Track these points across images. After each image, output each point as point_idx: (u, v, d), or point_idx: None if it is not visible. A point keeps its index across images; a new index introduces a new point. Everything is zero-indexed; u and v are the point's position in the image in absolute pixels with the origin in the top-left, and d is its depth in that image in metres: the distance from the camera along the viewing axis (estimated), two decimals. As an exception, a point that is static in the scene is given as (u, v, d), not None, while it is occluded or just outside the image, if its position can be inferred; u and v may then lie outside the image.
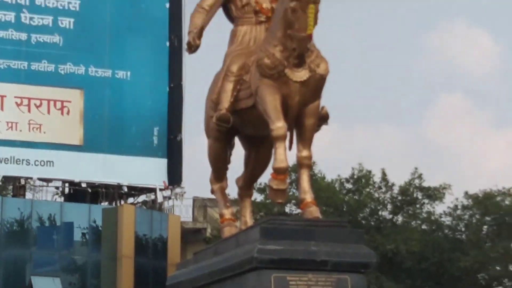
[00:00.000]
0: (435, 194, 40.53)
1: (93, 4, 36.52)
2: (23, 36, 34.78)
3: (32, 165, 34.79)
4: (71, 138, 34.99)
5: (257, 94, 11.70)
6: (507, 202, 38.51)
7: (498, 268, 40.58)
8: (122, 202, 37.17)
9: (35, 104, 34.48)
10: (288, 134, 11.33)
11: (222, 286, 12.83)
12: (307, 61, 11.33)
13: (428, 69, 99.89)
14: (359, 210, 39.58)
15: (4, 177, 35.09)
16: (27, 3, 34.83)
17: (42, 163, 34.69)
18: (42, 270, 34.14)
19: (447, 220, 42.18)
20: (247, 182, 14.21)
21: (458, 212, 41.63)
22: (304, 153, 11.52)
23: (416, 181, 39.34)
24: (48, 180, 35.75)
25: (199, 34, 13.58)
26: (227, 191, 14.68)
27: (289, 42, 11.07)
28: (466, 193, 40.08)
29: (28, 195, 36.76)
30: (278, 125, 10.87)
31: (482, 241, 40.70)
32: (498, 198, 38.75)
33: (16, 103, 34.13)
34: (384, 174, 39.73)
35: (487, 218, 39.60)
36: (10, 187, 38.02)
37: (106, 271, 35.10)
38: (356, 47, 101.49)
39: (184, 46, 19.59)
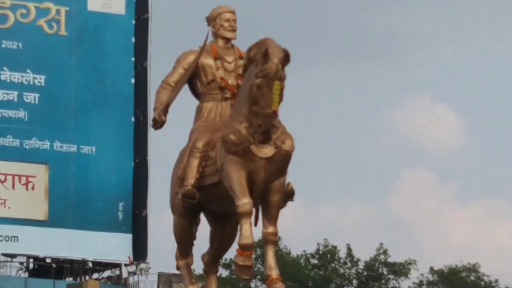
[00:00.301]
0: (400, 269, 41.96)
1: (58, 79, 36.89)
2: None
3: None
4: (36, 213, 35.22)
5: (223, 170, 10.51)
6: (472, 278, 39.24)
7: None
8: (87, 277, 36.98)
9: (0, 179, 35.28)
10: (254, 210, 9.47)
11: None
12: (272, 137, 10.47)
13: (393, 144, 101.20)
14: (324, 285, 40.20)
15: None
16: None
17: (7, 238, 35.00)
18: None
19: None
20: (213, 258, 13.83)
21: (424, 287, 41.15)
22: (270, 229, 11.21)
23: (382, 257, 40.52)
24: (12, 256, 35.66)
25: (165, 111, 14.05)
26: (192, 267, 13.77)
27: (254, 118, 9.79)
28: (431, 268, 42.33)
29: (-8, 270, 35.97)
30: (244, 202, 9.93)
31: None
32: (463, 274, 39.79)
33: None
34: (349, 249, 40.75)
35: None
36: None
37: None
38: (321, 123, 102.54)
39: (150, 122, 19.05)
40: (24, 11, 37.33)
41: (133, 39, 38.82)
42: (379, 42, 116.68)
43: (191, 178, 9.59)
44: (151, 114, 12.90)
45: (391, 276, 44.28)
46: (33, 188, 35.71)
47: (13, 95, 36.36)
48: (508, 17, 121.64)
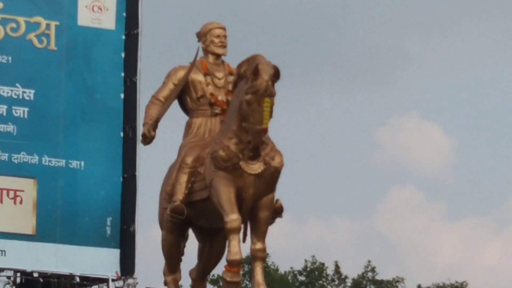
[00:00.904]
0: (388, 287, 43.56)
1: (48, 94, 36.65)
2: None
3: None
4: (24, 228, 34.84)
5: (212, 186, 11.55)
6: None
7: None
8: None
9: None
10: (242, 226, 11.03)
11: None
12: (262, 154, 11.16)
13: (381, 162, 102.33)
14: None
15: None
16: None
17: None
18: None
19: None
20: (201, 274, 13.64)
21: None
22: (258, 245, 11.18)
23: (369, 274, 42.12)
24: None
25: (154, 126, 12.95)
26: (180, 283, 13.08)
27: (244, 134, 10.89)
28: (419, 286, 43.79)
29: (-22, 286, 37.42)
30: (232, 218, 10.64)
31: None
32: None
33: None
34: (337, 266, 42.87)
35: None
36: None
37: None
38: (309, 140, 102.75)
39: (139, 137, 20.45)
40: (14, 25, 36.77)
41: (122, 54, 38.34)
42: (367, 60, 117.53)
43: (180, 194, 10.79)
44: (140, 129, 15.06)
45: None
46: (21, 202, 35.20)
47: (2, 109, 35.38)
48: (497, 38, 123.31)
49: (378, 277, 46.00)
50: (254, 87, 9.75)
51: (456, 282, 46.05)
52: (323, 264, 45.56)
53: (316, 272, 45.42)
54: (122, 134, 36.08)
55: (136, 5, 38.63)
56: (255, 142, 10.23)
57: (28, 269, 34.81)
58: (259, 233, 10.90)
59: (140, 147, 32.79)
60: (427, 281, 49.60)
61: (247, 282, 26.58)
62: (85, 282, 36.99)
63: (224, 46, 12.23)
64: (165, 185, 12.39)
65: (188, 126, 12.50)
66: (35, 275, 35.06)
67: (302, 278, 45.58)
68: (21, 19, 36.58)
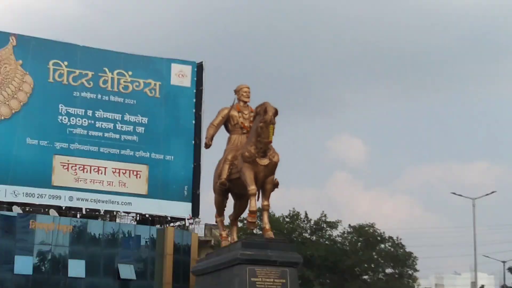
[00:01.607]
0: (333, 225, 56.79)
1: (155, 119, 52.67)
2: (117, 136, 51.19)
3: (120, 203, 51.34)
4: (141, 190, 51.67)
5: (241, 171, 16.98)
6: (371, 230, 56.19)
7: (366, 265, 56.15)
8: (167, 225, 54.26)
9: (122, 172, 51.57)
10: (257, 193, 16.78)
11: (220, 273, 18.51)
12: (268, 154, 16.73)
13: (330, 159, 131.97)
14: (292, 232, 54.16)
15: (105, 211, 51.06)
16: (120, 118, 51.58)
17: (125, 203, 51.40)
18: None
19: (339, 238, 57.42)
20: (235, 217, 19.98)
21: (345, 235, 57.69)
22: (265, 202, 17.27)
23: (323, 218, 56.52)
24: (128, 212, 52.85)
25: (210, 139, 18.97)
26: (224, 221, 20.50)
27: (258, 144, 16.38)
28: (349, 225, 58.01)
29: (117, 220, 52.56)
30: (252, 188, 16.34)
31: (357, 251, 55.75)
32: (366, 228, 56.95)
33: (113, 171, 50.99)
34: (306, 214, 56.58)
35: (360, 239, 57.11)
36: (108, 215, 52.75)
37: (158, 262, 50.44)
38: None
39: (202, 144, 28.10)
40: (137, 83, 52.57)
41: (194, 100, 54.90)
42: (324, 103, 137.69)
43: (224, 175, 16.86)
44: (203, 140, 24.11)
45: (328, 229, 56.29)
46: (140, 177, 52.27)
47: (130, 127, 51.67)
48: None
49: (327, 220, 56.87)
50: (264, 119, 15.71)
51: (369, 223, 57.98)
52: (299, 212, 57.70)
53: (295, 217, 56.99)
54: (193, 142, 53.41)
55: (201, 75, 54.65)
56: (264, 148, 16.19)
57: (143, 212, 52.29)
58: (266, 196, 17.04)
59: (203, 150, 48.99)
60: (354, 222, 59.89)
61: (259, 222, 30.04)
62: (173, 220, 54.55)
63: (248, 97, 18.77)
64: (217, 170, 18.62)
65: (229, 139, 18.68)
66: (147, 215, 52.34)
67: (287, 219, 56.93)
68: (141, 81, 52.81)
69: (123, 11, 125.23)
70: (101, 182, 50.58)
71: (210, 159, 30.42)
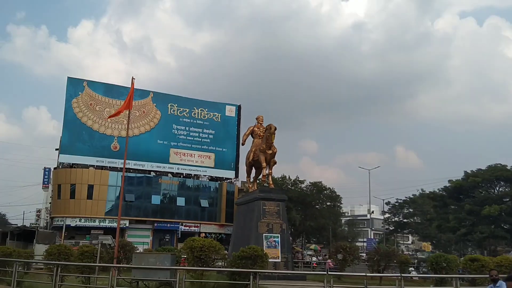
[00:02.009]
0: (301, 182, 53.45)
1: (218, 132, 52.64)
2: (199, 139, 51.61)
3: (201, 171, 51.04)
4: (210, 165, 51.52)
5: (258, 156, 19.98)
6: (320, 184, 52.83)
7: (317, 201, 53.24)
8: (223, 181, 52.96)
9: (202, 156, 51.55)
10: (266, 166, 20.03)
11: (248, 204, 20.43)
12: (271, 148, 19.41)
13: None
14: (282, 185, 50.29)
15: (194, 174, 50.38)
16: (201, 131, 51.46)
17: (203, 171, 51.21)
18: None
19: (305, 188, 52.93)
20: (255, 178, 22.38)
21: (308, 186, 53.22)
22: (270, 171, 20.13)
23: (297, 179, 53.55)
24: (205, 175, 51.45)
25: (244, 141, 22.62)
26: (251, 180, 23.08)
27: (267, 143, 19.26)
28: (309, 182, 53.84)
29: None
30: (264, 164, 19.59)
31: (313, 194, 52.71)
32: (318, 183, 53.21)
33: (198, 156, 51.33)
34: (289, 177, 53.53)
35: (314, 189, 53.18)
36: (195, 176, 51.09)
37: (219, 199, 50.55)
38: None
39: (240, 143, 26.21)
40: (209, 114, 52.50)
41: (236, 122, 54.33)
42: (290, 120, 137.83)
43: (250, 158, 22.19)
44: (240, 141, 25.29)
45: (299, 183, 53.42)
46: (210, 159, 51.38)
47: (206, 135, 51.59)
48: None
49: (299, 179, 54.07)
50: (270, 132, 19.56)
51: (318, 181, 54.14)
52: (285, 176, 53.93)
53: (284, 179, 53.16)
54: (236, 143, 53.14)
55: (239, 110, 54.65)
56: (270, 145, 19.79)
57: (212, 175, 51.86)
58: (270, 168, 20.57)
59: (240, 146, 39.32)
60: (311, 181, 55.56)
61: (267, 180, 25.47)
62: (226, 179, 53.44)
63: (262, 121, 21.80)
64: (247, 155, 22.55)
65: (253, 142, 22.02)
66: (214, 176, 51.78)
67: (280, 180, 51.71)
68: (211, 113, 52.64)
69: (204, 80, 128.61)
70: (192, 160, 51.94)
71: (243, 150, 31.78)
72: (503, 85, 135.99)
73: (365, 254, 30.02)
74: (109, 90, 48.58)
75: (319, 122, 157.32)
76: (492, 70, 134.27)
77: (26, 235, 30.01)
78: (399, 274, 11.09)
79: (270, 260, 16.02)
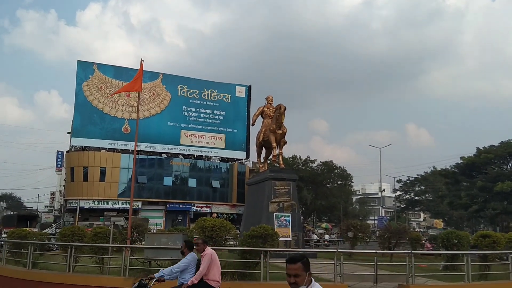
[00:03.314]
0: (312, 161, 54.77)
1: (228, 112, 52.34)
2: (210, 121, 51.49)
3: (212, 152, 51.11)
4: (221, 146, 51.14)
5: (268, 136, 19.51)
6: (330, 163, 53.89)
7: (328, 180, 54.00)
8: (234, 162, 53.21)
9: (213, 137, 51.64)
10: (276, 146, 19.53)
11: (259, 184, 20.37)
12: (281, 127, 18.86)
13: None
14: (293, 165, 51.15)
15: (205, 156, 50.20)
16: (212, 112, 51.31)
17: (214, 152, 51.37)
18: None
19: (316, 168, 54.05)
20: (265, 158, 21.96)
21: (318, 166, 54.18)
22: (280, 151, 19.66)
23: (308, 158, 54.61)
24: (216, 156, 51.47)
25: (254, 122, 22.34)
26: (261, 160, 22.65)
27: (277, 123, 18.67)
28: (320, 161, 54.89)
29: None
30: (274, 144, 18.97)
31: (324, 173, 53.26)
32: (328, 162, 54.18)
33: (209, 137, 51.23)
34: (300, 157, 54.57)
35: (325, 168, 53.70)
36: (206, 157, 51.01)
37: (230, 179, 50.70)
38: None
39: (250, 124, 28.14)
40: (220, 95, 52.36)
41: (246, 103, 54.01)
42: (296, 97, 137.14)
43: (260, 138, 21.62)
44: (250, 122, 26.35)
45: (310, 163, 54.77)
46: (221, 139, 51.36)
47: (216, 116, 51.59)
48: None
49: (310, 159, 55.10)
50: (280, 111, 19.04)
51: (329, 160, 55.05)
52: (296, 155, 54.99)
53: (295, 158, 54.45)
54: (246, 124, 52.53)
55: (249, 91, 54.42)
56: (279, 125, 19.24)
57: (223, 156, 51.82)
58: (280, 148, 20.13)
59: (251, 127, 35.28)
60: (323, 160, 57.41)
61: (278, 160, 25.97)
62: (237, 159, 53.71)
63: (272, 101, 21.58)
64: (257, 136, 21.84)
65: (263, 122, 21.73)
66: (225, 157, 51.95)
67: (291, 159, 52.87)
68: (221, 94, 52.51)
69: (213, 61, 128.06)
70: (203, 142, 51.99)
71: (253, 130, 31.09)
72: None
73: (376, 231, 29.82)
74: (119, 72, 48.58)
75: (330, 101, 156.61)
76: (505, 45, 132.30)
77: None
78: (410, 251, 11.06)
79: (280, 238, 16.06)
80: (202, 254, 6.71)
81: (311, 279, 2.92)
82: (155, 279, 6.39)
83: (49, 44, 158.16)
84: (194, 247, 6.93)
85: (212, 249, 9.94)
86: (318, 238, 35.39)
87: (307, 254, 16.17)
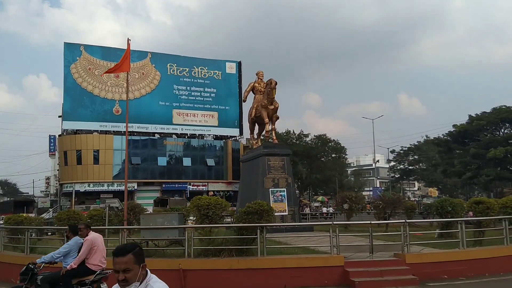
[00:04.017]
0: (306, 135, 53.99)
1: (219, 89, 52.06)
2: (202, 99, 51.17)
3: (205, 130, 51.05)
4: (214, 124, 51.30)
5: (261, 112, 19.78)
6: (324, 137, 53.56)
7: (322, 153, 53.92)
8: (228, 139, 52.73)
9: (205, 115, 51.41)
10: (269, 121, 19.70)
11: (253, 161, 20.49)
12: (273, 103, 19.24)
13: None
14: (287, 139, 50.29)
15: (198, 134, 50.00)
16: (203, 90, 50.95)
17: (207, 130, 51.17)
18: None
19: (310, 142, 53.13)
20: (258, 134, 22.21)
21: (312, 139, 53.51)
22: (273, 126, 19.86)
23: (301, 132, 54.00)
24: (209, 134, 51.11)
25: (245, 98, 22.53)
26: (255, 136, 22.89)
27: (268, 98, 18.99)
28: (314, 135, 54.39)
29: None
30: (266, 120, 19.34)
31: (318, 147, 52.68)
32: (322, 136, 53.57)
33: (201, 115, 50.97)
34: (293, 131, 53.95)
35: (319, 141, 53.25)
36: (200, 136, 50.62)
37: (225, 157, 50.56)
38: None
39: (242, 100, 28.04)
40: (210, 72, 51.99)
41: (237, 79, 53.73)
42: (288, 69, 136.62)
43: (252, 114, 21.93)
44: (242, 98, 29.72)
45: (303, 137, 53.97)
46: (213, 117, 50.95)
47: (208, 94, 50.89)
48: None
49: (303, 133, 54.53)
50: (271, 86, 19.18)
51: (323, 134, 54.56)
52: (290, 130, 54.45)
53: (288, 133, 53.65)
54: (238, 100, 52.17)
55: (240, 67, 53.84)
56: (271, 100, 19.52)
57: (217, 134, 51.53)
58: (273, 123, 20.31)
59: (243, 103, 38.00)
60: (316, 134, 56.61)
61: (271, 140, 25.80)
62: (230, 137, 53.14)
63: (262, 76, 21.67)
64: (250, 112, 22.31)
65: (254, 98, 21.94)
66: (218, 135, 51.58)
67: (284, 134, 52.09)
68: (212, 71, 51.90)
69: (202, 37, 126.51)
70: (196, 120, 51.86)
71: (246, 107, 31.14)
72: (506, 24, 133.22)
73: (369, 202, 30.08)
74: (107, 53, 47.99)
75: (321, 74, 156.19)
76: (495, 9, 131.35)
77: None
78: (404, 220, 11.24)
79: (277, 213, 16.39)
80: (84, 239, 6.77)
81: (147, 271, 2.40)
82: (43, 263, 6.64)
83: (34, 27, 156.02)
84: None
85: (208, 226, 9.97)
86: (310, 212, 35.72)
87: (301, 227, 16.72)
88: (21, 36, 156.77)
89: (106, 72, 14.76)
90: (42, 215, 31.69)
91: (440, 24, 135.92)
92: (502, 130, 46.82)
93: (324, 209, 39.90)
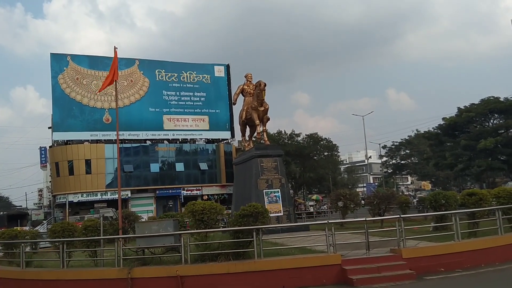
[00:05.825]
0: (297, 135, 52.92)
1: (209, 93, 51.67)
2: (192, 103, 50.82)
3: (196, 135, 50.69)
4: (205, 127, 50.83)
5: (251, 114, 19.84)
6: (315, 136, 52.60)
7: (314, 152, 52.85)
8: (220, 143, 52.37)
9: (196, 120, 50.96)
10: (260, 123, 19.74)
11: (246, 163, 20.42)
12: (263, 104, 19.25)
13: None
14: (279, 140, 49.56)
15: (190, 139, 49.85)
16: (192, 94, 50.63)
17: (198, 134, 50.76)
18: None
19: (301, 141, 52.03)
20: (250, 136, 22.31)
21: (304, 139, 52.53)
22: (264, 128, 19.89)
23: (293, 132, 52.88)
24: (201, 138, 50.80)
25: (235, 100, 22.41)
26: (246, 138, 22.93)
27: (258, 100, 19.07)
28: (305, 134, 53.39)
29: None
30: (257, 122, 19.32)
31: (310, 145, 51.83)
32: (313, 134, 52.52)
33: (192, 120, 50.58)
34: (285, 131, 52.96)
35: (311, 140, 52.44)
36: (191, 140, 50.37)
37: (217, 160, 50.50)
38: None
39: (232, 102, 26.62)
40: (199, 76, 51.58)
41: (226, 82, 53.23)
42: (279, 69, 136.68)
43: (243, 116, 21.89)
44: (231, 103, 33.11)
45: (295, 137, 52.61)
46: (204, 121, 50.55)
47: (197, 98, 50.62)
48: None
49: (295, 133, 52.99)
50: (260, 88, 19.16)
51: (314, 132, 53.65)
52: (281, 131, 53.70)
53: (280, 133, 52.84)
54: (228, 103, 51.95)
55: (229, 70, 53.99)
56: (261, 102, 19.46)
57: (209, 138, 50.96)
58: (264, 125, 20.27)
59: (233, 106, 42.41)
60: (307, 133, 57.17)
61: (263, 141, 24.58)
62: (222, 140, 52.84)
63: (251, 78, 21.53)
64: (240, 114, 22.14)
65: (244, 100, 21.89)
66: (210, 139, 51.31)
67: (276, 135, 51.37)
68: (200, 75, 51.48)
69: (189, 41, 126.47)
70: (187, 125, 51.51)
71: (236, 109, 31.63)
72: (488, 15, 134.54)
73: (363, 199, 30.18)
74: (94, 62, 47.74)
75: (309, 73, 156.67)
76: (478, 1, 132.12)
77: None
78: (399, 215, 11.30)
79: (272, 214, 16.39)
80: None
81: None
82: None
83: (18, 39, 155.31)
84: None
85: (203, 231, 9.96)
86: (317, 210, 35.90)
87: (297, 227, 16.69)
88: (5, 48, 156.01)
89: (102, 89, 14.73)
90: (37, 228, 31.30)
91: (424, 18, 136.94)
92: (491, 121, 47.00)
93: (323, 207, 39.85)
